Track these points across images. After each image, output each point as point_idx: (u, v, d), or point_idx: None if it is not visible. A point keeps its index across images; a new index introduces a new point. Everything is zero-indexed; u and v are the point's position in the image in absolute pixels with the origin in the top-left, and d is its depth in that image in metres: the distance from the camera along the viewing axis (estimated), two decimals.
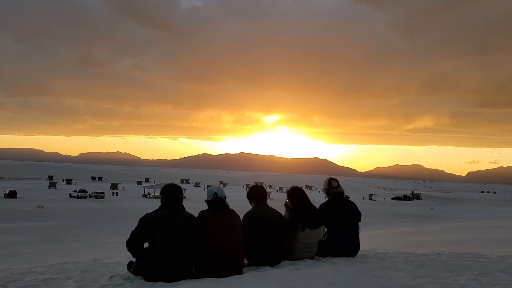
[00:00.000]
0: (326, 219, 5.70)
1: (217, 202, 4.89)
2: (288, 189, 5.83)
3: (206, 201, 4.96)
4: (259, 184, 5.93)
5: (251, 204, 5.52)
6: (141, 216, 4.76)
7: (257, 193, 5.54)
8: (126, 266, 5.30)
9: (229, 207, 4.99)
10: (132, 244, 4.66)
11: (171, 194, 4.84)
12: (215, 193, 4.92)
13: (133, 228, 4.70)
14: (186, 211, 4.84)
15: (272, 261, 5.11)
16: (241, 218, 5.13)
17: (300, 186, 5.94)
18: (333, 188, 6.01)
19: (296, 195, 5.67)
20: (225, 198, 4.97)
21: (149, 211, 4.80)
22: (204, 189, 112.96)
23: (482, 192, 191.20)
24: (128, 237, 4.69)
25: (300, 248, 5.41)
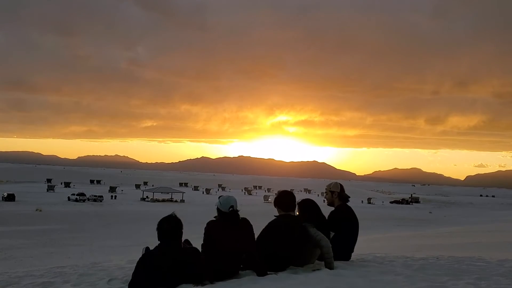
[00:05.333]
0: (338, 224, 5.68)
1: (233, 216, 4.77)
2: (301, 201, 5.53)
3: (219, 211, 4.81)
4: (289, 190, 5.59)
5: (278, 210, 5.30)
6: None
7: (283, 200, 5.30)
8: (124, 269, 5.30)
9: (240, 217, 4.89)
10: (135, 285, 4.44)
11: (165, 233, 4.49)
12: (232, 206, 4.77)
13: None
14: (185, 248, 4.61)
15: (283, 266, 5.08)
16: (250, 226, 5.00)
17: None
18: (344, 192, 5.97)
19: (315, 207, 5.52)
20: (238, 211, 4.86)
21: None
22: (203, 193, 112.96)
23: (481, 196, 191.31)
24: (131, 281, 4.51)
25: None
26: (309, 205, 5.52)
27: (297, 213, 5.46)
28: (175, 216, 4.60)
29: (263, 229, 5.16)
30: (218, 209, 4.84)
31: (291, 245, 5.12)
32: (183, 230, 4.60)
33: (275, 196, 5.47)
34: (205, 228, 4.77)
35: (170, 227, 4.49)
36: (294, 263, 5.22)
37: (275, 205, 5.35)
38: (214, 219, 4.89)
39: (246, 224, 4.87)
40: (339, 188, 5.94)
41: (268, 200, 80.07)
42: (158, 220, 4.59)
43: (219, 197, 5.03)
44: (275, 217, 5.28)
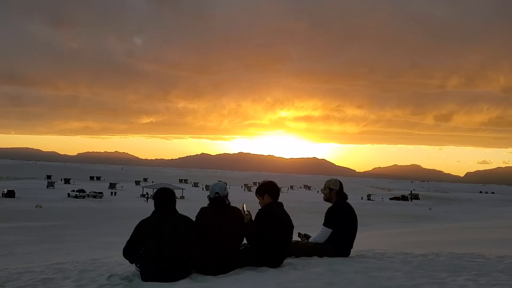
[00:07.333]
0: (337, 220, 5.72)
1: (217, 201, 4.97)
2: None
3: (209, 197, 5.04)
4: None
5: (265, 198, 5.35)
6: (138, 220, 4.88)
7: (276, 190, 5.42)
8: (124, 266, 5.31)
9: (231, 204, 5.06)
10: (127, 252, 4.78)
11: (162, 200, 4.86)
12: (217, 192, 4.99)
13: (130, 233, 4.80)
14: (179, 214, 4.86)
15: (281, 257, 5.15)
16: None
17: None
18: (342, 189, 5.93)
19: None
20: (226, 196, 5.04)
21: (146, 214, 4.90)
22: (203, 189, 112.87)
23: (480, 192, 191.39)
24: (125, 244, 4.79)
25: None
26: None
27: (267, 195, 5.39)
28: (169, 188, 5.05)
29: (261, 219, 5.16)
30: (208, 198, 5.05)
31: (289, 232, 5.30)
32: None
33: (261, 184, 5.48)
34: (197, 213, 4.98)
35: (167, 196, 4.85)
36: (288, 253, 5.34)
37: (263, 194, 5.37)
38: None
39: (236, 210, 5.03)
40: (338, 186, 5.89)
41: None
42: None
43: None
44: (266, 206, 5.31)
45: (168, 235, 4.62)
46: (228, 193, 5.09)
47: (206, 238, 4.80)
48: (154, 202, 4.89)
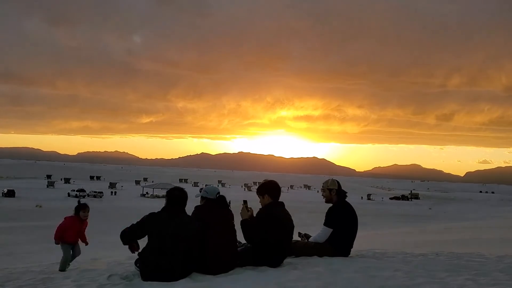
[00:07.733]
0: (337, 220, 5.73)
1: (222, 200, 5.04)
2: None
3: (207, 199, 5.03)
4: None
5: (265, 198, 5.34)
6: (144, 214, 4.86)
7: (277, 190, 5.40)
8: (124, 265, 5.32)
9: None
10: (125, 234, 4.80)
11: (177, 199, 4.87)
12: (219, 192, 5.07)
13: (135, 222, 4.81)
14: (187, 215, 4.87)
15: (281, 256, 5.17)
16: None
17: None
18: (341, 187, 5.98)
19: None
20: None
21: (151, 210, 4.90)
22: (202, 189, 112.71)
23: (480, 192, 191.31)
24: (127, 227, 4.81)
25: None
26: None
27: (267, 195, 5.38)
28: (183, 189, 5.08)
29: (261, 219, 5.17)
30: (205, 198, 5.05)
31: (290, 232, 5.33)
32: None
33: (262, 183, 5.48)
34: (193, 212, 4.97)
35: (181, 194, 4.89)
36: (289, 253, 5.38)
37: (263, 193, 5.36)
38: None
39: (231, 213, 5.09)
40: (336, 185, 5.93)
41: None
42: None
43: (200, 189, 5.26)
44: (266, 206, 5.30)
45: (172, 234, 4.61)
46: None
47: (205, 237, 4.79)
48: (168, 199, 4.88)
